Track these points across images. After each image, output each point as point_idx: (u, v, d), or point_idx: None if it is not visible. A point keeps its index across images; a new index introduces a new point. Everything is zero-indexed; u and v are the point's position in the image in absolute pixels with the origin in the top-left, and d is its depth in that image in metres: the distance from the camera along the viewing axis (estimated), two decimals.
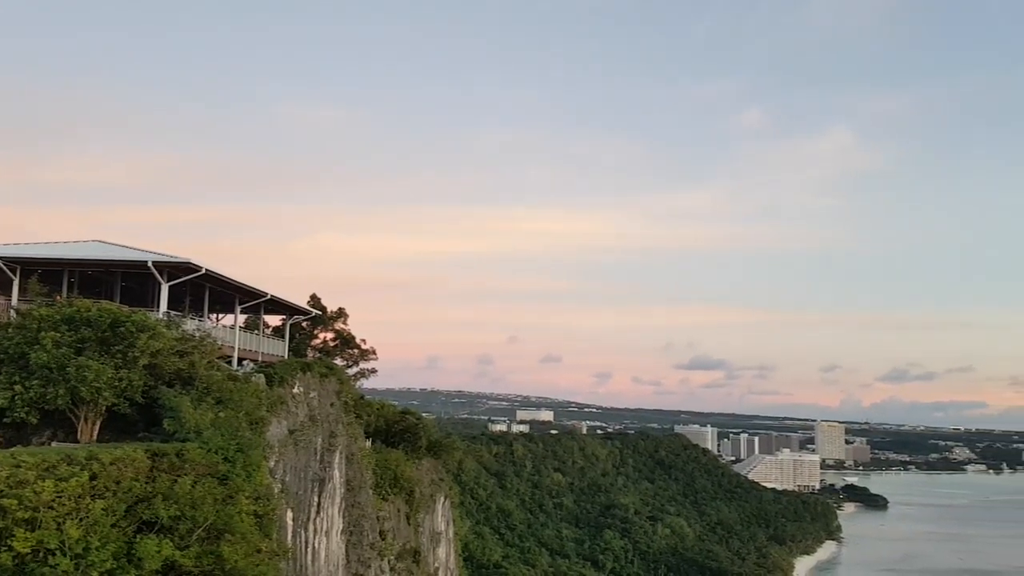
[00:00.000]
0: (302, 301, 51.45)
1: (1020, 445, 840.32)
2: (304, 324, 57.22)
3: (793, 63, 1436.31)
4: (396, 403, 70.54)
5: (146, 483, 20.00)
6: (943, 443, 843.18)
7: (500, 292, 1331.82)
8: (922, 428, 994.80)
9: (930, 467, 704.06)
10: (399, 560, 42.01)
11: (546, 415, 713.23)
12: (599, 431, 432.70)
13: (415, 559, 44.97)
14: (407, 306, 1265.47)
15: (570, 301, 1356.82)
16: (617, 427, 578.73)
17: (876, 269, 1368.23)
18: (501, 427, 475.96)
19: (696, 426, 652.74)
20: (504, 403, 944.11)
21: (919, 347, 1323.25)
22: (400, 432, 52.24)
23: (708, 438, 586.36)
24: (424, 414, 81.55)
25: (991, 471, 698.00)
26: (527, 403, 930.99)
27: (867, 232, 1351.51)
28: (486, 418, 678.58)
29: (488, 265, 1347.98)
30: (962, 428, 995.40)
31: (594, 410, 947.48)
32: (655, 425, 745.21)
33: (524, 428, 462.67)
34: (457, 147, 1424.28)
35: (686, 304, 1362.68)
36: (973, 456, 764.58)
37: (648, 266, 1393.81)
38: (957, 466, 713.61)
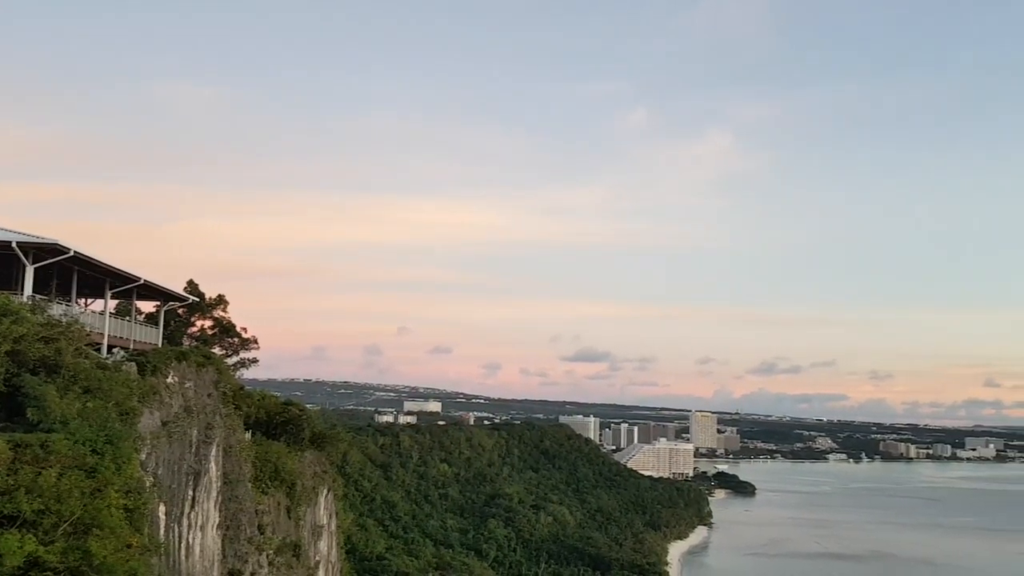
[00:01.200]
0: (179, 287, 49.37)
1: (877, 435, 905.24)
2: (180, 311, 54.92)
3: (678, 66, 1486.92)
4: (278, 394, 68.82)
5: (7, 475, 18.91)
6: (807, 433, 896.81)
7: (390, 282, 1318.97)
8: (788, 419, 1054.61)
9: (795, 456, 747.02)
10: (278, 554, 41.18)
11: (434, 406, 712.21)
12: (487, 422, 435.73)
13: (295, 553, 44.19)
14: (292, 294, 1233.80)
15: (461, 292, 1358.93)
16: (504, 418, 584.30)
17: (749, 267, 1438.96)
18: (388, 418, 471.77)
19: (580, 416, 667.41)
20: (392, 394, 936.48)
21: (787, 342, 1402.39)
22: (282, 424, 51.07)
23: (591, 428, 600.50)
24: (308, 405, 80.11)
25: (851, 460, 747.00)
26: (415, 394, 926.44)
27: (742, 231, 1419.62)
28: (373, 409, 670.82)
29: (378, 254, 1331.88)
30: (825, 419, 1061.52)
31: (482, 401, 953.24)
32: (541, 416, 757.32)
33: (411, 419, 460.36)
34: (347, 133, 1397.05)
35: (573, 298, 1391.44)
36: (835, 446, 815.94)
37: (538, 259, 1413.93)
38: (820, 455, 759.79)
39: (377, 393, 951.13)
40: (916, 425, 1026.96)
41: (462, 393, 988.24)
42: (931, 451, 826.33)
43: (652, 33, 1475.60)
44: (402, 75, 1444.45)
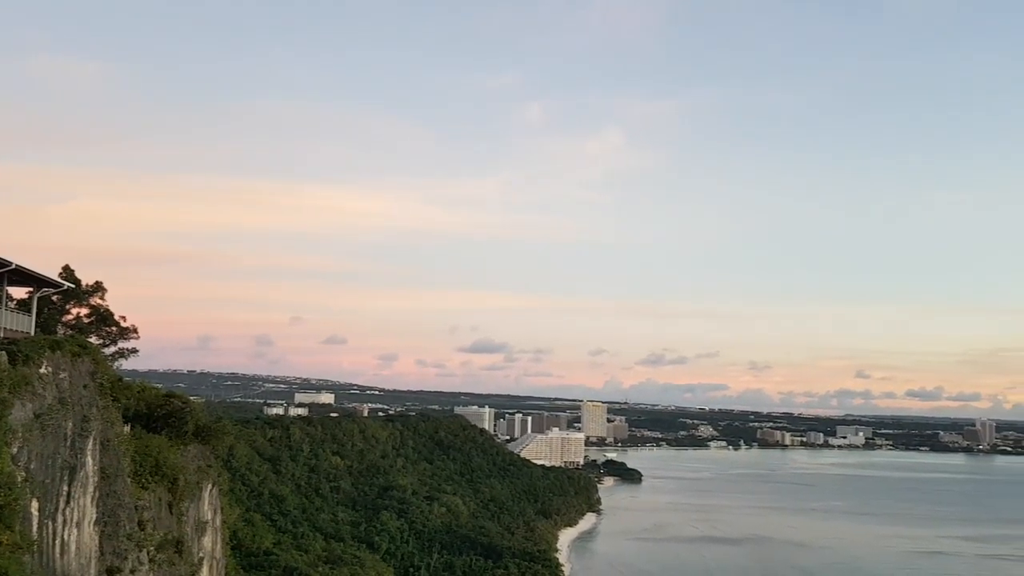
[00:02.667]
0: (54, 272, 46.78)
1: (755, 424, 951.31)
2: (55, 298, 52.04)
3: (572, 63, 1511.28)
4: (160, 385, 66.24)
5: None
6: (691, 421, 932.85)
7: (283, 270, 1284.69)
8: (673, 408, 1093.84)
9: (679, 443, 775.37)
10: (160, 551, 39.83)
11: (327, 398, 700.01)
12: (381, 414, 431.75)
13: (178, 550, 42.81)
14: (178, 282, 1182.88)
15: (357, 282, 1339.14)
16: (400, 409, 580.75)
17: (640, 261, 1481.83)
18: (278, 411, 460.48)
19: (475, 407, 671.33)
20: (282, 386, 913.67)
21: (674, 334, 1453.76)
22: (163, 417, 49.15)
23: (486, 419, 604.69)
24: (192, 397, 77.42)
25: (730, 447, 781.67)
26: (307, 386, 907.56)
27: (633, 227, 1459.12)
28: (262, 401, 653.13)
29: (271, 241, 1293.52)
30: (707, 408, 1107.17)
31: (377, 392, 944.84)
32: (436, 407, 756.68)
33: (303, 411, 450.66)
34: (241, 117, 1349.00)
35: (471, 289, 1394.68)
36: (716, 433, 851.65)
37: (435, 250, 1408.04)
38: (702, 442, 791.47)
39: (267, 385, 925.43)
40: (791, 414, 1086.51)
41: (356, 385, 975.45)
42: (805, 439, 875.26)
43: (548, 29, 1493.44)
44: (298, 60, 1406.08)
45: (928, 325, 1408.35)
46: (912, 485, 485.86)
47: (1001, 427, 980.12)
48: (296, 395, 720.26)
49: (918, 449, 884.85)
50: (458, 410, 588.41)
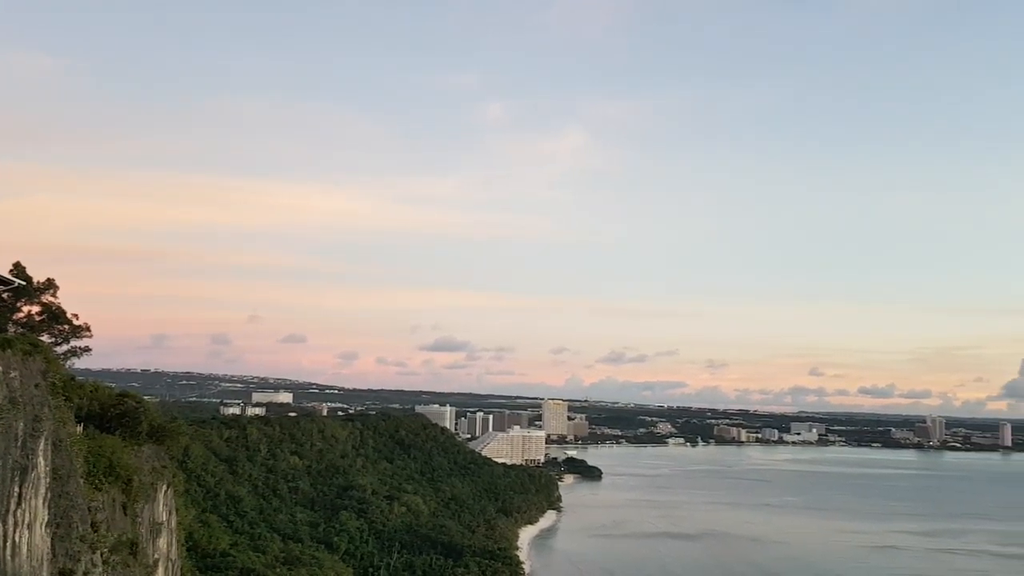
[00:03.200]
0: (4, 269, 45.71)
1: (712, 420, 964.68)
2: (5, 296, 50.84)
3: (534, 63, 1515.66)
4: (114, 385, 65.18)
5: None
6: (650, 419, 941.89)
7: (241, 267, 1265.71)
8: (633, 405, 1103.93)
9: (639, 440, 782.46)
10: (114, 553, 39.17)
11: (285, 397, 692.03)
12: (341, 413, 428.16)
13: (132, 551, 42.15)
14: (132, 279, 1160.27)
15: (317, 280, 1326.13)
16: (360, 408, 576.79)
17: (601, 259, 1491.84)
18: (235, 410, 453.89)
19: (436, 406, 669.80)
20: (239, 385, 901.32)
21: (635, 332, 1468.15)
22: (117, 416, 48.34)
23: (447, 417, 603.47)
24: (147, 397, 76.29)
25: (688, 444, 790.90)
26: (265, 385, 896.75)
27: (595, 226, 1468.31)
28: (218, 401, 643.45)
29: (229, 238, 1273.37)
30: (666, 405, 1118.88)
31: (337, 392, 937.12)
32: (397, 405, 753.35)
33: (260, 411, 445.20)
34: (199, 113, 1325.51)
35: (434, 287, 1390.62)
36: (674, 430, 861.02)
37: (397, 248, 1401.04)
38: (661, 439, 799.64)
39: (223, 384, 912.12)
40: (747, 411, 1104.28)
41: (315, 384, 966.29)
42: (760, 435, 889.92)
43: (509, 29, 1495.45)
44: (258, 57, 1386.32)
45: (880, 324, 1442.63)
46: (865, 481, 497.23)
47: (951, 424, 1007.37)
48: (254, 395, 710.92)
49: (870, 445, 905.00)
50: (419, 409, 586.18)
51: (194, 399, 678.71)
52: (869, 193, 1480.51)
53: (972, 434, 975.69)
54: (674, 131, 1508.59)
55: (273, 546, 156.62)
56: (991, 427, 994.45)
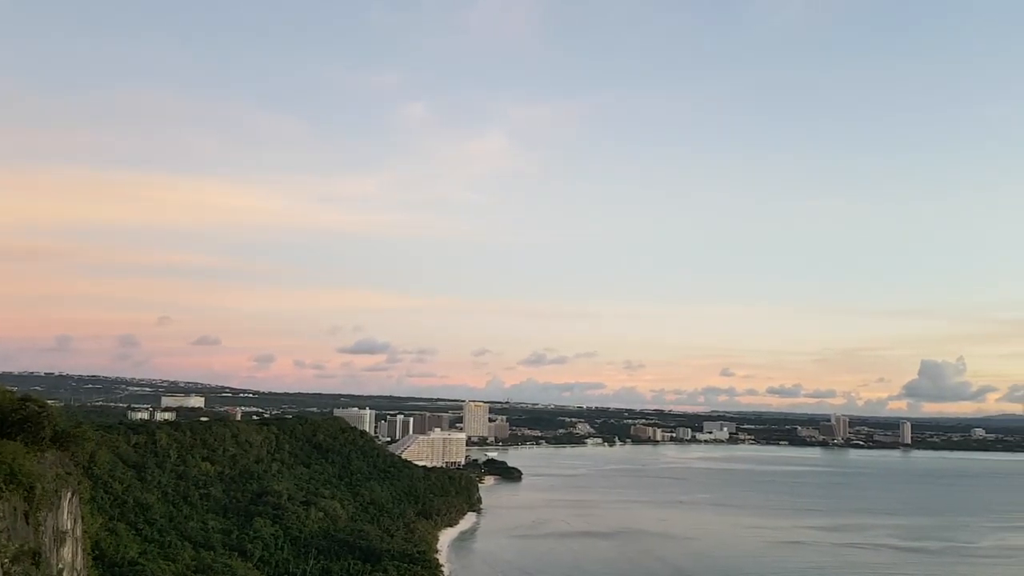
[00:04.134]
0: None
1: (629, 420, 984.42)
2: None
3: (456, 64, 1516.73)
4: (15, 388, 62.65)
5: None
6: (569, 420, 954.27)
7: (151, 267, 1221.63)
8: (553, 406, 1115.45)
9: (558, 441, 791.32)
10: (14, 563, 38.06)
11: (196, 401, 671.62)
12: (256, 417, 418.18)
13: (35, 561, 40.94)
14: (34, 279, 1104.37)
15: (231, 280, 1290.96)
16: (276, 412, 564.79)
17: (524, 262, 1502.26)
18: (143, 415, 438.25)
19: (356, 409, 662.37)
20: (148, 389, 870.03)
21: (556, 334, 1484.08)
22: (18, 422, 46.74)
23: (366, 420, 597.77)
24: (50, 401, 73.55)
25: (606, 443, 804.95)
26: (175, 388, 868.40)
27: (517, 228, 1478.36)
28: (126, 405, 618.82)
29: (138, 237, 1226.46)
30: (585, 406, 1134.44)
31: (251, 395, 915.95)
32: (315, 409, 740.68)
33: (170, 416, 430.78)
34: (108, 105, 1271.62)
35: (354, 288, 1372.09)
36: (592, 431, 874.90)
37: (316, 248, 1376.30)
38: (579, 440, 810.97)
39: (131, 388, 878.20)
40: (662, 411, 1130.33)
41: (229, 387, 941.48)
42: (674, 434, 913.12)
43: (430, 29, 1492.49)
44: (167, 48, 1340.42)
45: (788, 326, 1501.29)
46: (773, 478, 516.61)
47: (854, 422, 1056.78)
48: (163, 399, 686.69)
49: (778, 443, 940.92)
50: (338, 412, 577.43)
51: (100, 403, 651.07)
52: (780, 199, 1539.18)
53: (874, 432, 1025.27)
54: (595, 134, 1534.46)
55: (184, 554, 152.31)
56: (892, 425, 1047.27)
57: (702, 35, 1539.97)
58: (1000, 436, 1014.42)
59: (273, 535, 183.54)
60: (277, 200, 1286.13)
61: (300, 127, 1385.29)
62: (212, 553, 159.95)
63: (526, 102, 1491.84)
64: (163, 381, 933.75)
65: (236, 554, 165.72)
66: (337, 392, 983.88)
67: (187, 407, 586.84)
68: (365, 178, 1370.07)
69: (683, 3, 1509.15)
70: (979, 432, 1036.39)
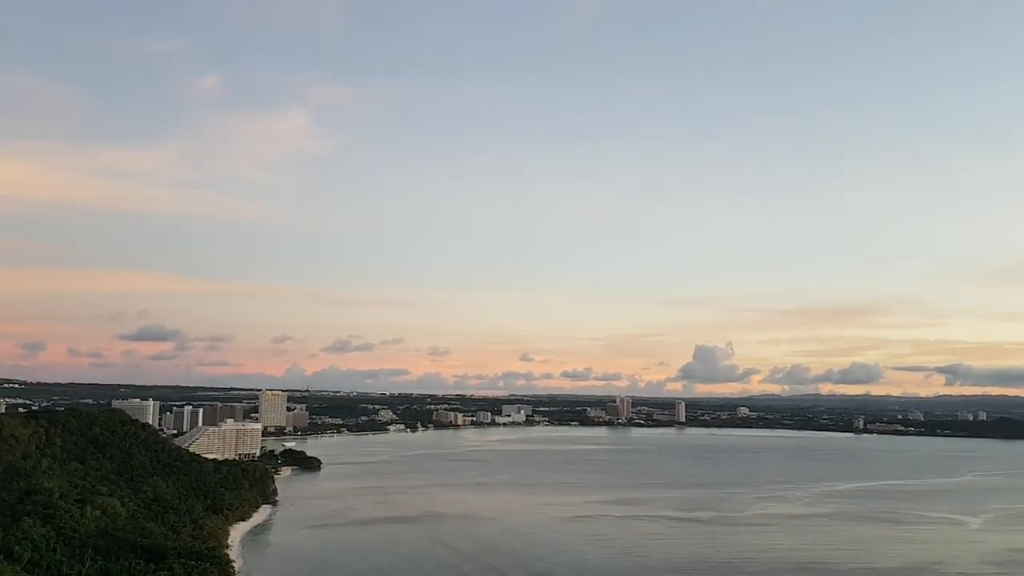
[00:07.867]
0: None
1: (432, 406, 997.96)
2: None
3: (253, 37, 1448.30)
4: None
5: None
6: (372, 407, 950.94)
7: None
8: (356, 394, 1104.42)
9: (360, 429, 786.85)
10: None
11: None
12: (23, 409, 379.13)
13: None
14: None
15: None
16: (46, 404, 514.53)
17: (327, 247, 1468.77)
18: None
19: (137, 400, 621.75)
20: None
21: (361, 321, 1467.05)
22: None
23: (150, 412, 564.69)
24: None
25: (408, 429, 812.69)
26: None
27: (320, 211, 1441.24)
28: None
29: None
30: (388, 393, 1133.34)
31: (17, 386, 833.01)
32: (91, 401, 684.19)
33: None
34: None
35: (139, 270, 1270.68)
36: (395, 417, 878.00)
37: (92, 226, 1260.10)
38: (382, 426, 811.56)
39: None
40: (464, 395, 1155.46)
41: None
42: (475, 418, 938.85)
43: None
44: None
45: (580, 313, 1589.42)
46: (564, 456, 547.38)
47: (636, 403, 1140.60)
48: None
49: (570, 424, 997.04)
50: (117, 404, 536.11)
51: None
52: (572, 194, 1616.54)
53: (654, 412, 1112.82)
54: (397, 119, 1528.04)
55: None
56: (669, 405, 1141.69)
57: (508, 25, 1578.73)
58: (762, 414, 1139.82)
59: (43, 536, 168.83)
60: (49, 174, 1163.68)
61: (66, 93, 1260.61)
62: None
63: (329, 83, 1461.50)
64: None
65: (2, 557, 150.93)
66: (117, 382, 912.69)
67: None
68: (149, 151, 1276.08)
69: None
70: (744, 411, 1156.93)
